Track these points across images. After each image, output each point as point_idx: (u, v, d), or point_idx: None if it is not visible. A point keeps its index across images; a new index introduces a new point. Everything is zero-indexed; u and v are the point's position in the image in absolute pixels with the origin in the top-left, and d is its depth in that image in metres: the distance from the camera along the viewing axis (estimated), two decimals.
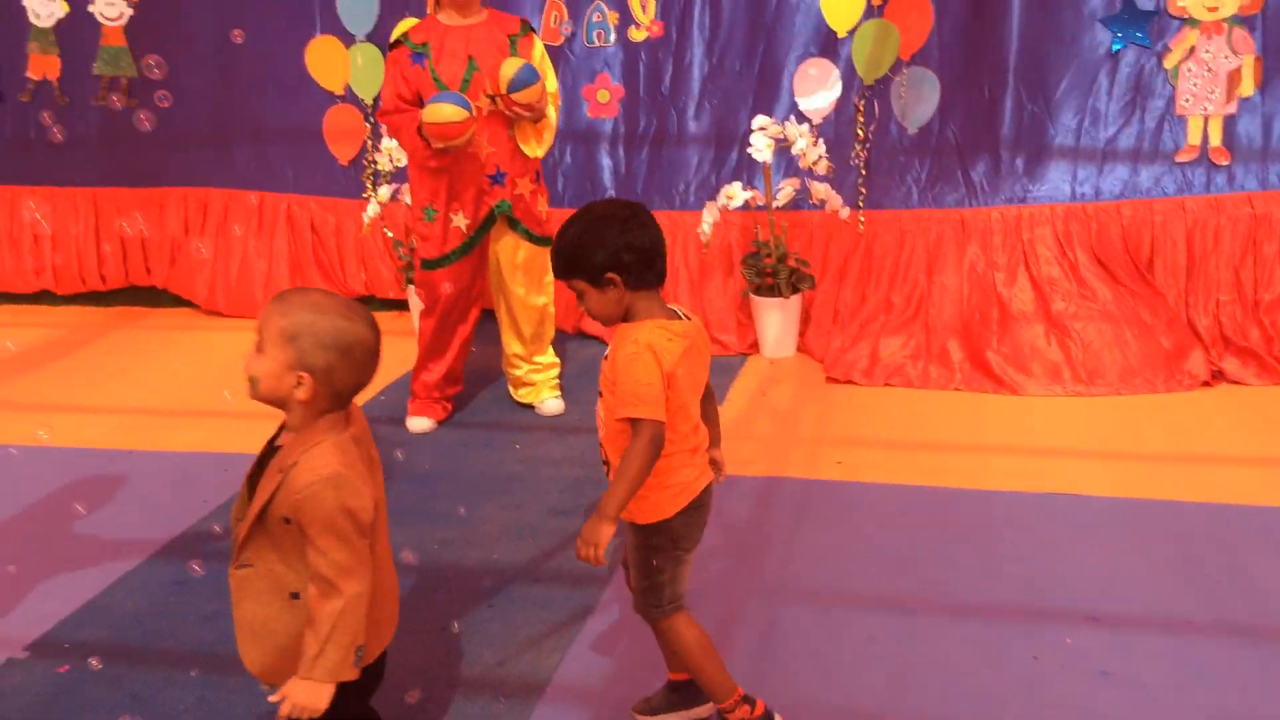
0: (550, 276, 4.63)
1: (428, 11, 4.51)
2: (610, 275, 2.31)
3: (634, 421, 2.27)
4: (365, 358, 2.02)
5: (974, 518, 3.65)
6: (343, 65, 5.84)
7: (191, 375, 5.33)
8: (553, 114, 4.35)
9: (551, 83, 4.34)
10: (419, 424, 4.53)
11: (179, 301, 6.37)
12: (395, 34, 4.64)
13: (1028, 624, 3.03)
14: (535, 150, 4.32)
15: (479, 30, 4.26)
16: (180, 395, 5.04)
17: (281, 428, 2.10)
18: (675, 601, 2.54)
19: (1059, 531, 3.53)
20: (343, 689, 2.01)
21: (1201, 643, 2.92)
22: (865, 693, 2.79)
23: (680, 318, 2.41)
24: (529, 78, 4.09)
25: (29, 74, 6.24)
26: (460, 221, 4.33)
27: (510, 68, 4.09)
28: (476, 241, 4.38)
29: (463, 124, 4.03)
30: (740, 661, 2.91)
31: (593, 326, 5.48)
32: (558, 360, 4.80)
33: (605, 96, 5.51)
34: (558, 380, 4.80)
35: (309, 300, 1.97)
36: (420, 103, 4.17)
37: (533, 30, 4.38)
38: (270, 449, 2.06)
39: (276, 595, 2.02)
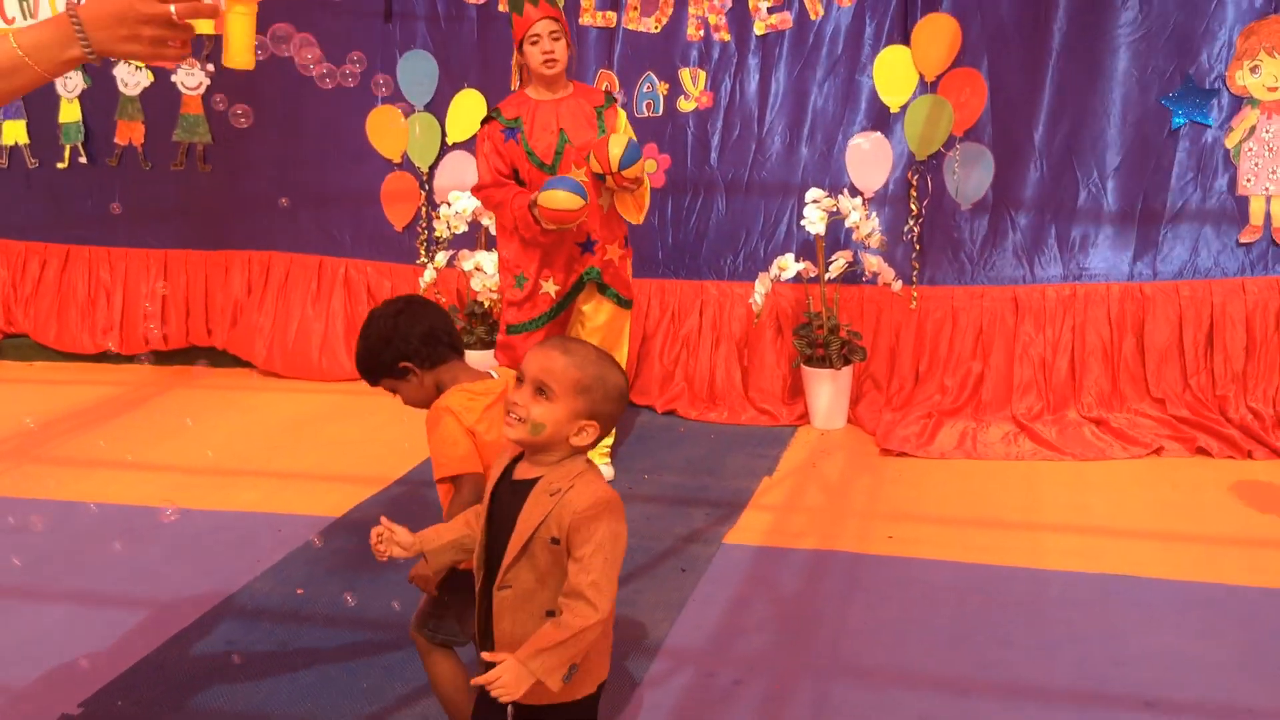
0: (625, 347, 4.71)
1: (513, 87, 4.75)
2: (403, 365, 2.62)
3: (455, 481, 2.53)
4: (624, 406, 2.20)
5: (1028, 597, 3.59)
6: (401, 134, 5.97)
7: (248, 435, 5.41)
8: (647, 181, 4.50)
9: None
10: None
11: (238, 363, 6.49)
12: (488, 111, 4.79)
13: (1083, 708, 2.97)
14: (637, 218, 4.49)
15: (567, 104, 4.42)
16: (237, 455, 5.11)
17: (516, 459, 2.15)
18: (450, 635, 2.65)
19: (1116, 613, 3.47)
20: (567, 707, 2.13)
21: None
22: None
23: (490, 377, 2.68)
24: (635, 155, 4.26)
25: (116, 139, 6.50)
26: (550, 288, 4.47)
27: (618, 146, 4.24)
28: (564, 307, 4.52)
29: (579, 211, 4.18)
30: None
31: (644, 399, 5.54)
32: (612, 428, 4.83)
33: (653, 167, 5.57)
34: (609, 447, 4.81)
35: (592, 354, 2.09)
36: (515, 177, 4.38)
37: (615, 100, 4.55)
38: (513, 483, 2.12)
39: (534, 615, 2.08)
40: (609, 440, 4.80)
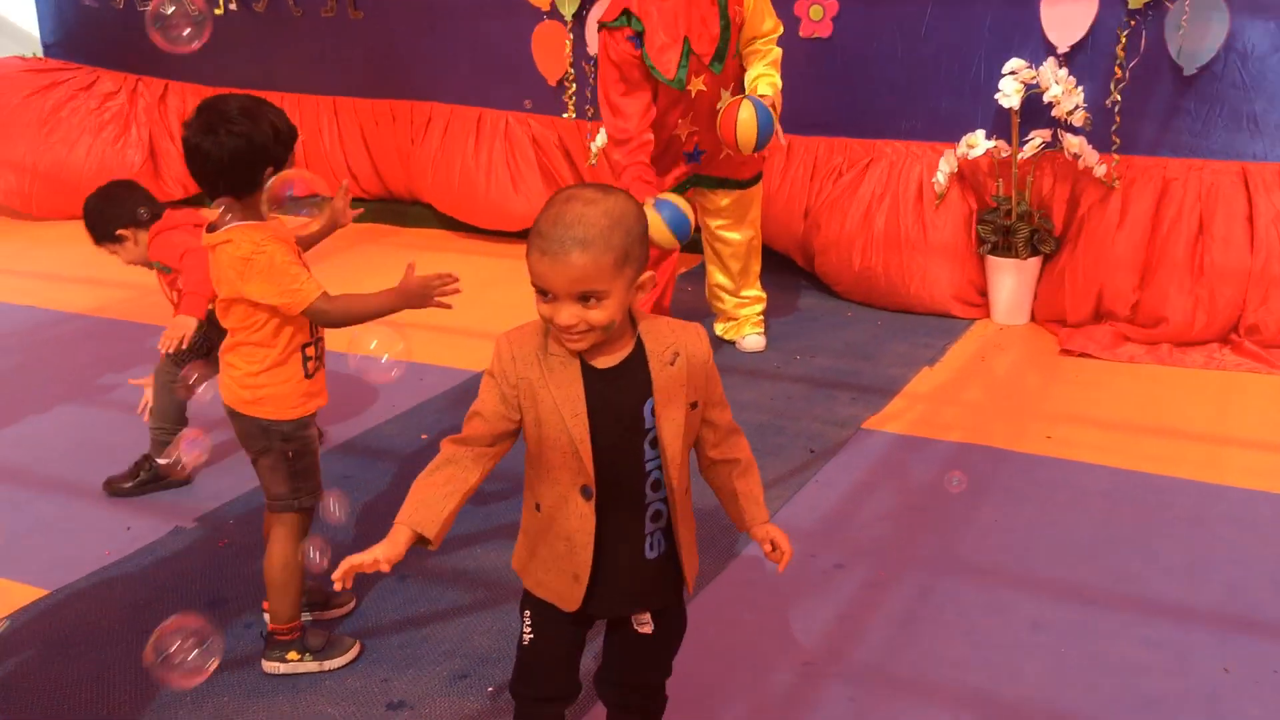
0: (757, 210, 4.43)
1: None
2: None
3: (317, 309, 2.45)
4: None
5: (1190, 512, 3.20)
6: None
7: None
8: (777, 78, 4.05)
9: (771, 20, 4.08)
10: None
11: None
12: (611, 9, 3.97)
13: (1224, 634, 2.62)
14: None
15: (684, 3, 3.86)
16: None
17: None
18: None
19: None
20: None
21: None
22: (1017, 681, 2.48)
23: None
24: (767, 130, 3.86)
25: None
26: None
27: (748, 132, 3.83)
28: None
29: (668, 250, 3.92)
30: (878, 628, 2.67)
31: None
32: (764, 295, 4.60)
33: (819, 13, 5.13)
34: (761, 316, 4.60)
35: (598, 214, 1.70)
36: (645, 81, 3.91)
37: None
38: (601, 374, 1.80)
39: (690, 504, 1.93)
40: (761, 308, 4.58)
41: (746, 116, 3.84)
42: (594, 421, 1.77)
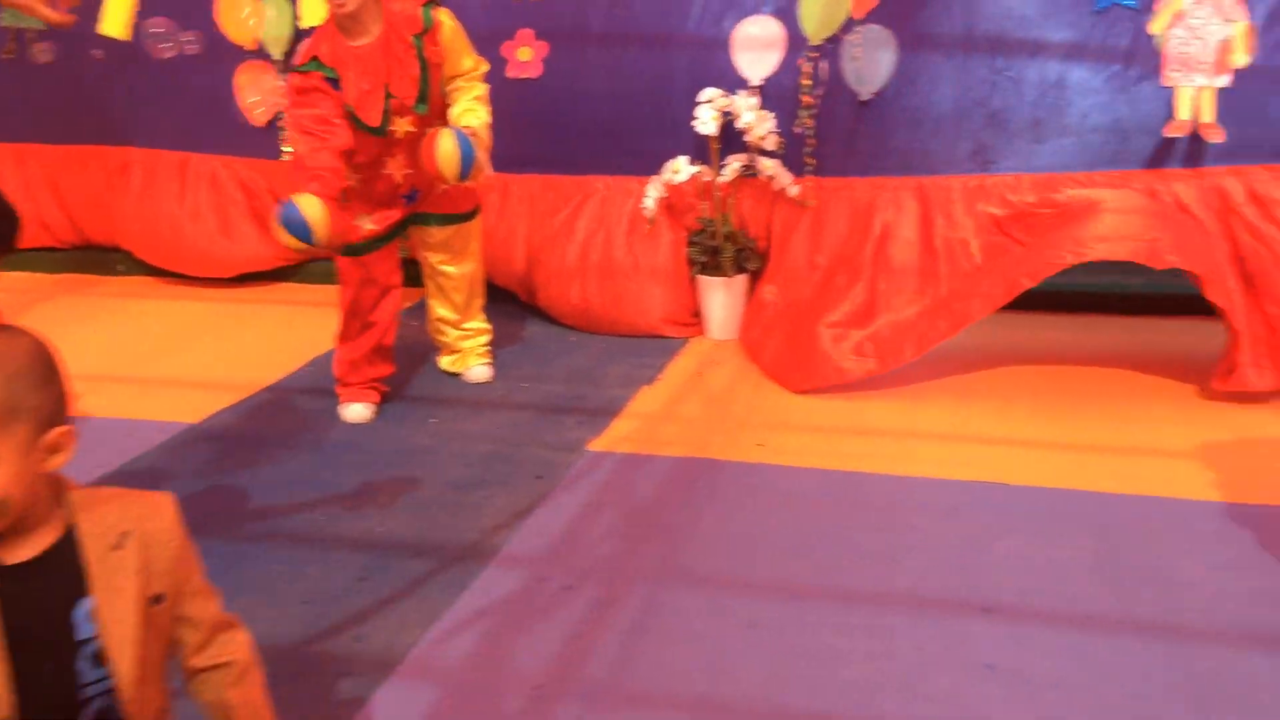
0: (477, 243, 4.48)
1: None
2: None
3: None
4: None
5: (888, 504, 3.48)
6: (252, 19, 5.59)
7: (116, 340, 5.22)
8: (484, 112, 4.07)
9: (470, 59, 4.12)
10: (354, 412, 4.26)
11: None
12: (302, 54, 3.89)
13: (919, 614, 2.86)
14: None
15: (382, 46, 3.84)
16: (100, 359, 4.92)
17: None
18: None
19: (976, 521, 3.35)
20: None
21: (1100, 639, 2.74)
22: (737, 680, 2.63)
23: None
24: (469, 155, 3.79)
25: None
26: (367, 225, 4.10)
27: (449, 161, 3.75)
28: (388, 240, 4.20)
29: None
30: (608, 644, 2.76)
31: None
32: (488, 327, 4.66)
33: (527, 54, 5.28)
34: (487, 347, 4.65)
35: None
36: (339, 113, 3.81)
37: (436, 6, 3.98)
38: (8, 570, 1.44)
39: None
40: (486, 339, 4.64)
41: (448, 146, 3.81)
42: (10, 638, 1.37)
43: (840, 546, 3.22)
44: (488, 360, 4.63)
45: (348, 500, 3.57)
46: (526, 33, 5.30)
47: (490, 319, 4.69)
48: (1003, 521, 3.34)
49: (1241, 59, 4.44)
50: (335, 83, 3.82)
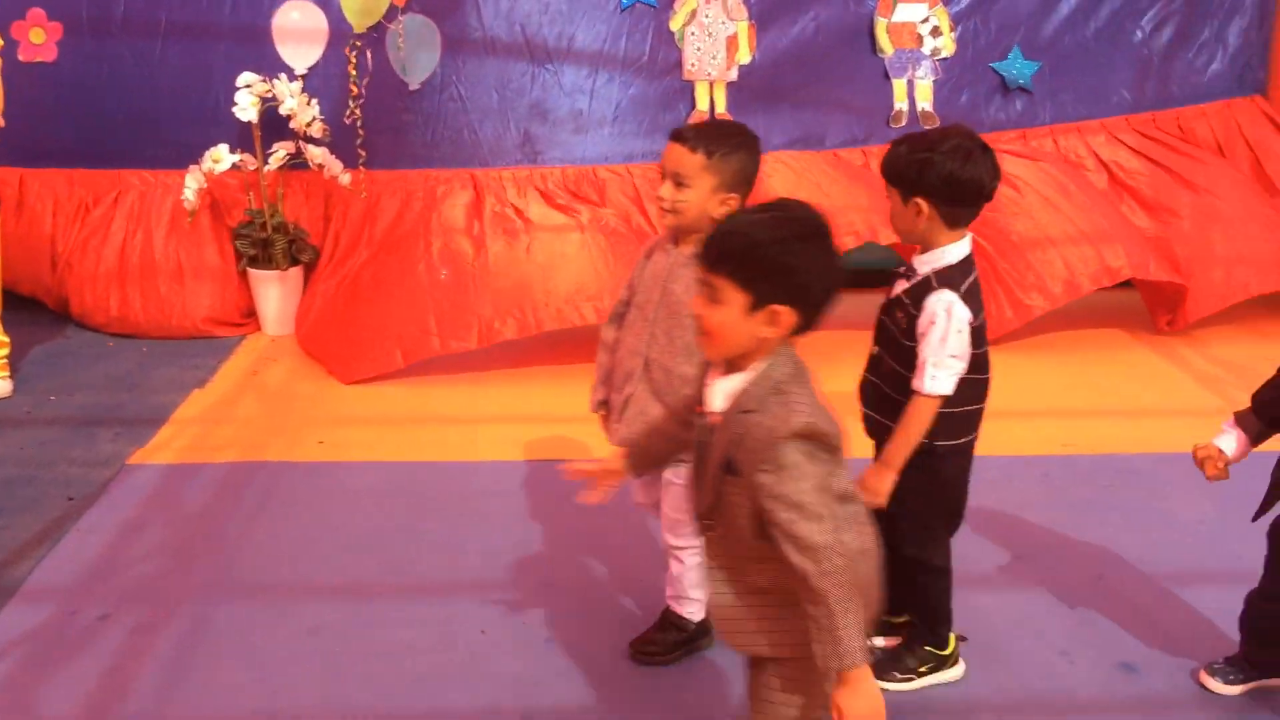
0: None
1: None
2: None
3: None
4: None
5: (457, 491, 3.45)
6: None
7: None
8: None
9: None
10: None
11: None
12: None
13: (482, 597, 2.86)
14: None
15: None
16: None
17: None
18: None
19: (535, 498, 3.40)
20: None
21: None
22: (296, 690, 2.49)
23: None
24: None
25: None
26: None
27: None
28: None
29: None
30: (150, 673, 2.53)
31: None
32: (7, 339, 4.16)
33: (40, 36, 4.76)
34: (5, 360, 4.16)
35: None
36: None
37: None
38: None
39: None
40: (4, 352, 4.14)
41: None
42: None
43: (411, 540, 3.16)
44: (7, 374, 4.14)
45: None
46: (38, 12, 4.79)
47: (9, 329, 4.19)
48: (552, 498, 3.38)
49: (745, 56, 4.86)
50: None
